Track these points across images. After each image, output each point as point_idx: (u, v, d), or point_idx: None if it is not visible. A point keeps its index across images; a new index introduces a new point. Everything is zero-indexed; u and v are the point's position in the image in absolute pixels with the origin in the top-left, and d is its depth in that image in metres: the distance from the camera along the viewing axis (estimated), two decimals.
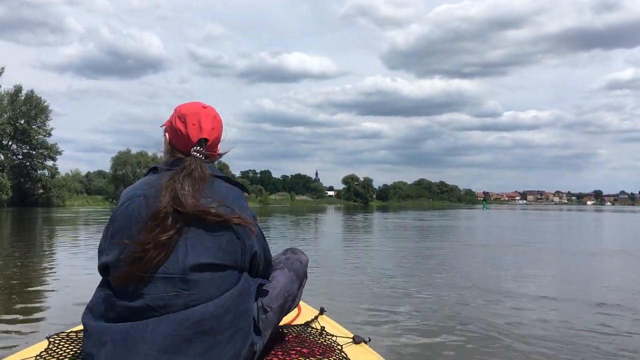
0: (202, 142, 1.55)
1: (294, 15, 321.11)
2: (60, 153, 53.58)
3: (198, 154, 1.53)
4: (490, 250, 11.73)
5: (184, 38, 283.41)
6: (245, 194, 1.62)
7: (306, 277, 1.84)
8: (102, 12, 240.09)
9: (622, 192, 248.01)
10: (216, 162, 1.68)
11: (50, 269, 8.18)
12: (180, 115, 1.59)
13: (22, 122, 50.52)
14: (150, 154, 70.71)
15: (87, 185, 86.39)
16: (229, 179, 1.59)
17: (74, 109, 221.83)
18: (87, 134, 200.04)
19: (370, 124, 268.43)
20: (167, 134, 1.63)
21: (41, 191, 53.16)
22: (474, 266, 8.90)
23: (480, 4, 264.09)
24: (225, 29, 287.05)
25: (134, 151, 71.16)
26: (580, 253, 11.59)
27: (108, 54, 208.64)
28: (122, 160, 69.16)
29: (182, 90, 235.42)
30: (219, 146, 1.66)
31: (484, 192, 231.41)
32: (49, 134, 52.43)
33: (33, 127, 51.13)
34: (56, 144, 53.42)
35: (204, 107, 1.63)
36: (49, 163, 53.54)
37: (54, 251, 11.15)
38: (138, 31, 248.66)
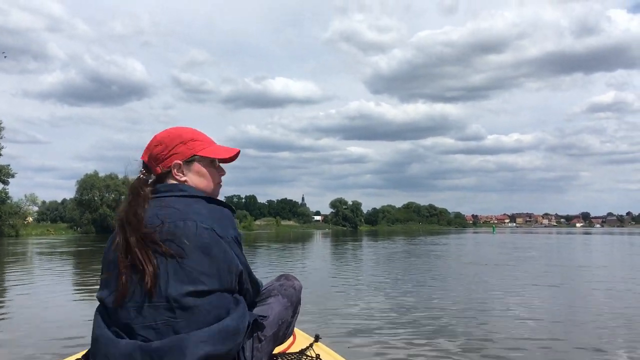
0: (142, 163, 1.62)
1: (278, 40, 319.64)
2: (12, 175, 47.42)
3: (140, 174, 1.58)
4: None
5: (167, 64, 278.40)
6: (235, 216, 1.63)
7: (300, 303, 1.82)
8: (84, 38, 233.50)
9: (610, 214, 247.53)
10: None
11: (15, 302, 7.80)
12: None
13: None
14: (120, 177, 64.61)
15: (62, 213, 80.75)
16: (216, 200, 1.55)
17: (57, 136, 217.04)
18: (69, 161, 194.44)
19: (356, 148, 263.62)
20: None
21: None
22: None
23: (461, 29, 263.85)
24: (209, 54, 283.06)
25: (102, 174, 64.64)
26: None
27: (91, 81, 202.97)
28: (88, 183, 62.27)
29: (166, 116, 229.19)
30: (167, 161, 1.57)
31: (472, 215, 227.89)
32: None
33: None
34: (8, 165, 47.37)
35: (165, 130, 1.65)
36: None
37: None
38: (121, 57, 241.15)
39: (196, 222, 1.41)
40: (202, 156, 1.59)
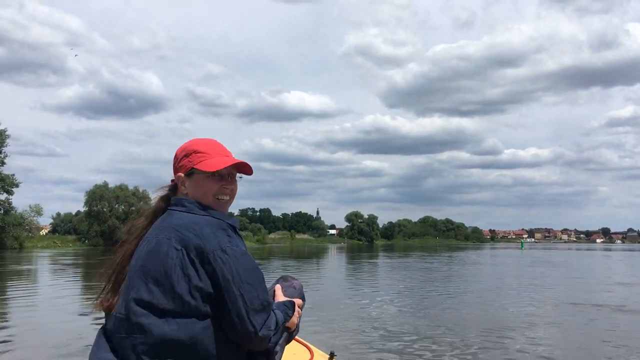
0: None
1: (293, 54, 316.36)
2: (17, 185, 45.68)
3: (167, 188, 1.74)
4: None
5: (183, 77, 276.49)
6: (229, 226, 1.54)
7: (304, 299, 1.83)
8: (102, 53, 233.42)
9: (631, 230, 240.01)
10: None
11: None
12: None
13: None
14: (130, 187, 62.82)
15: (74, 225, 79.64)
16: (214, 214, 1.55)
17: (74, 149, 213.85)
18: (87, 174, 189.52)
19: (371, 162, 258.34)
20: None
21: None
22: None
23: (478, 43, 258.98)
24: (224, 68, 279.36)
25: (112, 185, 62.70)
26: None
27: (108, 95, 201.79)
28: (97, 194, 60.33)
29: (182, 129, 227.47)
30: (176, 175, 1.65)
31: (490, 230, 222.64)
32: (3, 162, 44.71)
33: None
34: (13, 174, 45.69)
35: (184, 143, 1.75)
36: (3, 197, 45.55)
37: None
38: (138, 71, 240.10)
39: (171, 239, 1.42)
40: (199, 169, 1.59)
